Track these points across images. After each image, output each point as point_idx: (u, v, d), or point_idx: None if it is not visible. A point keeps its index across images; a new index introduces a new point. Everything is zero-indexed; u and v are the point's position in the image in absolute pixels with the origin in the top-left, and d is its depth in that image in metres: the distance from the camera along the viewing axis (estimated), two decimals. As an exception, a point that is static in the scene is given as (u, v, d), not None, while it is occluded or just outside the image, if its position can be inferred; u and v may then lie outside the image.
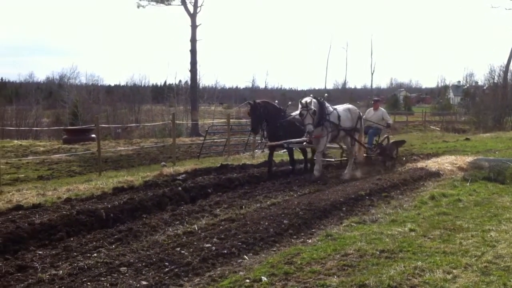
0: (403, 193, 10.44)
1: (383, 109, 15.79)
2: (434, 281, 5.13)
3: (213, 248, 6.43)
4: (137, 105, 59.38)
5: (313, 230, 7.56)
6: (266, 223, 7.61)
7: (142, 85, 74.42)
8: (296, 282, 5.19)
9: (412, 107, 76.03)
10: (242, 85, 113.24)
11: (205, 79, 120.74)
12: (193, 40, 35.77)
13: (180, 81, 66.21)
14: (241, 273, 5.53)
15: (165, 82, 75.02)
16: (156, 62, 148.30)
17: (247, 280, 5.24)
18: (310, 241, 6.94)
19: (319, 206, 8.67)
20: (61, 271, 5.67)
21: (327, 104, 12.75)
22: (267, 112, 12.66)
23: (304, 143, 12.94)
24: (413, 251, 6.21)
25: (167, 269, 5.72)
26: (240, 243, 6.65)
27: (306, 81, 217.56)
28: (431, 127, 40.92)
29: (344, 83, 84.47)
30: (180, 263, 5.89)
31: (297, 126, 12.57)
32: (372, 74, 76.82)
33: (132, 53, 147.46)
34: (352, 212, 8.70)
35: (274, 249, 6.64)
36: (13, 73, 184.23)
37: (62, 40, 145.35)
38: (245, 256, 6.28)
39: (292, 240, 7.06)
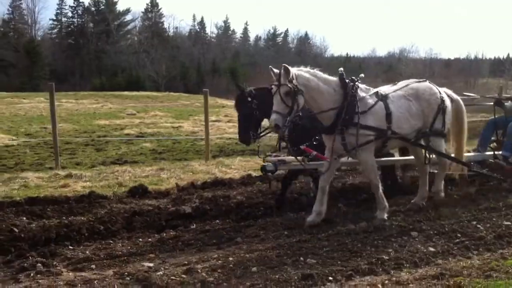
0: None
1: None
2: None
3: (514, 227, 6.10)
4: (473, 79, 57.21)
5: None
6: None
7: (481, 58, 71.28)
8: None
9: None
10: None
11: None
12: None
13: (522, 53, 60.50)
14: (537, 256, 5.16)
15: (508, 55, 69.99)
16: (497, 35, 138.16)
17: (539, 263, 4.88)
18: None
19: None
20: (357, 227, 6.25)
21: (362, 93, 6.34)
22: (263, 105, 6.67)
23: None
24: None
25: (457, 240, 5.72)
26: (547, 226, 6.10)
27: None
28: None
29: None
30: (473, 236, 5.82)
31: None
32: None
33: (471, 26, 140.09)
34: None
35: None
36: (357, 49, 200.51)
37: (402, 18, 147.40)
38: (549, 240, 5.75)
39: None
